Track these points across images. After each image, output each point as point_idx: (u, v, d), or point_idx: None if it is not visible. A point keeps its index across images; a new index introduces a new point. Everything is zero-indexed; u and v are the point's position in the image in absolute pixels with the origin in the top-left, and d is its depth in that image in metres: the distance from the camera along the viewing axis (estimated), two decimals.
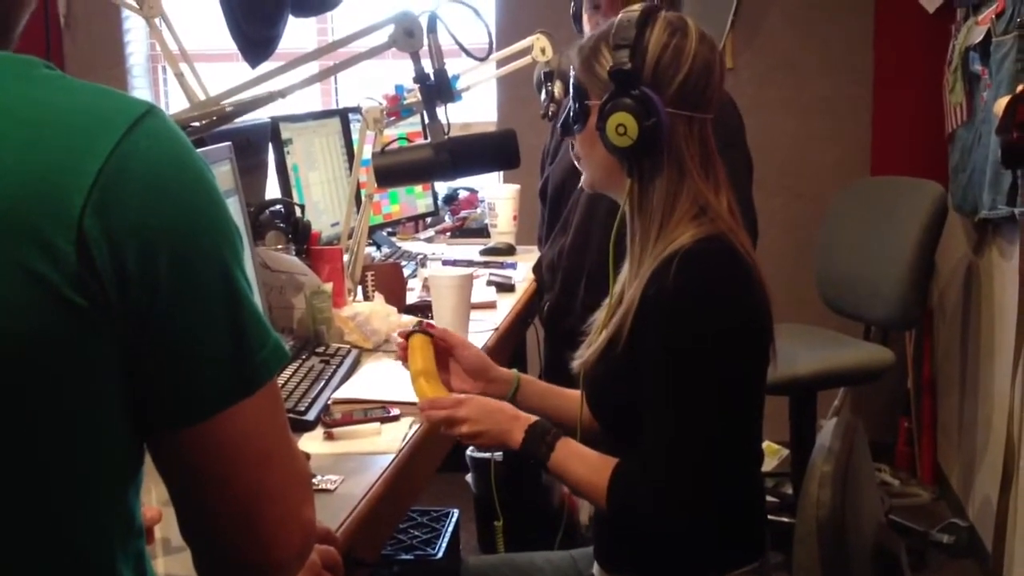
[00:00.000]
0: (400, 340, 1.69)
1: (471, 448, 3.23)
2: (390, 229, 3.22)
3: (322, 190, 2.78)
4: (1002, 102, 2.58)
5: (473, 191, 3.56)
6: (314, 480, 1.41)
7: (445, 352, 1.70)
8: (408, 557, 2.74)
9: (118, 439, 0.82)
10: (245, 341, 0.82)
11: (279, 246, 2.18)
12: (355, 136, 2.78)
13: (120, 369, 0.79)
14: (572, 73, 1.57)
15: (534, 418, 1.56)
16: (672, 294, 1.43)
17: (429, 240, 3.35)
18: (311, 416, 1.67)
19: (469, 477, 3.24)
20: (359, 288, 2.34)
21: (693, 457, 1.43)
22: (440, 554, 2.75)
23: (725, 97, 2.15)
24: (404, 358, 1.66)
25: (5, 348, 0.74)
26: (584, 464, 1.51)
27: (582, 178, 1.62)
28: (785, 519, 2.74)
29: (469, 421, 1.53)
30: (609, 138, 1.48)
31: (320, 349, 1.96)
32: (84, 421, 0.79)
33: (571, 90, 1.56)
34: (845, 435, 1.40)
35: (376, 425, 1.66)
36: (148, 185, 0.77)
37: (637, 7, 1.52)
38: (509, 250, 3.02)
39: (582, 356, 1.59)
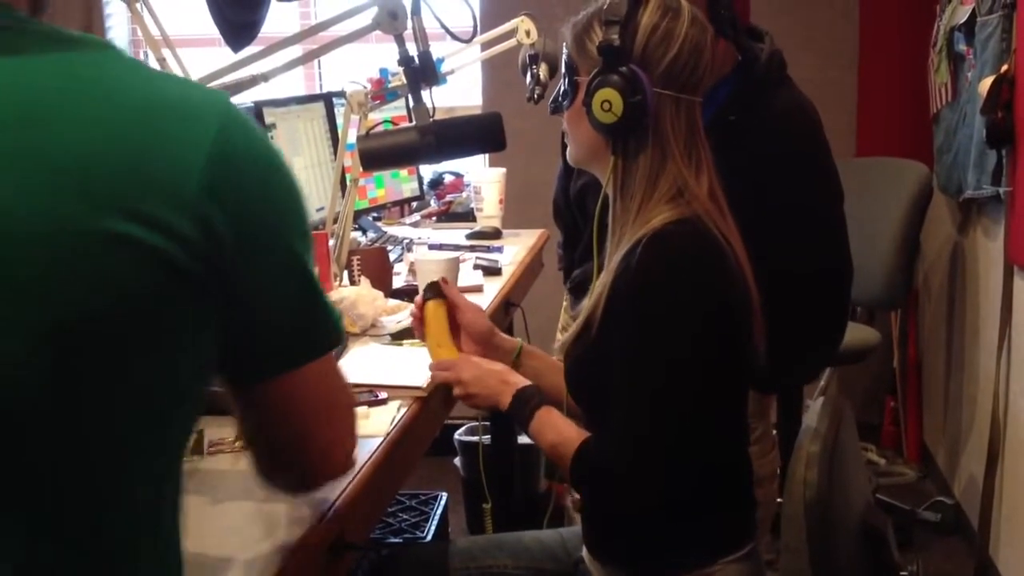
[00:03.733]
0: (415, 312, 1.77)
1: (459, 431, 3.24)
2: (375, 214, 3.21)
3: (307, 175, 2.77)
4: (987, 82, 2.59)
5: (459, 175, 3.55)
6: None
7: (453, 315, 1.77)
8: (397, 540, 2.75)
9: (197, 393, 0.92)
10: (319, 315, 0.98)
11: None
12: (339, 120, 2.77)
13: (213, 331, 0.89)
14: (564, 49, 1.57)
15: (525, 383, 1.61)
16: (634, 274, 1.43)
17: (415, 224, 3.34)
18: None
19: (457, 460, 3.25)
20: (345, 273, 2.33)
21: (648, 437, 1.43)
22: (429, 537, 2.76)
23: (787, 105, 1.92)
24: (418, 327, 1.76)
25: (119, 317, 0.81)
26: (558, 434, 1.54)
27: (567, 153, 1.62)
28: None
29: (462, 383, 1.64)
30: (594, 114, 1.48)
31: None
32: (174, 378, 0.88)
33: (563, 66, 1.57)
34: (832, 415, 1.40)
35: (364, 409, 1.65)
36: (248, 165, 0.88)
37: None
38: (495, 234, 3.01)
39: (563, 339, 1.61)
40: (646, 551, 1.54)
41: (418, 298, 1.78)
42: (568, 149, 1.62)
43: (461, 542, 1.83)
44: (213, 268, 0.85)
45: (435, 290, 1.76)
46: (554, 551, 1.73)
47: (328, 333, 1.00)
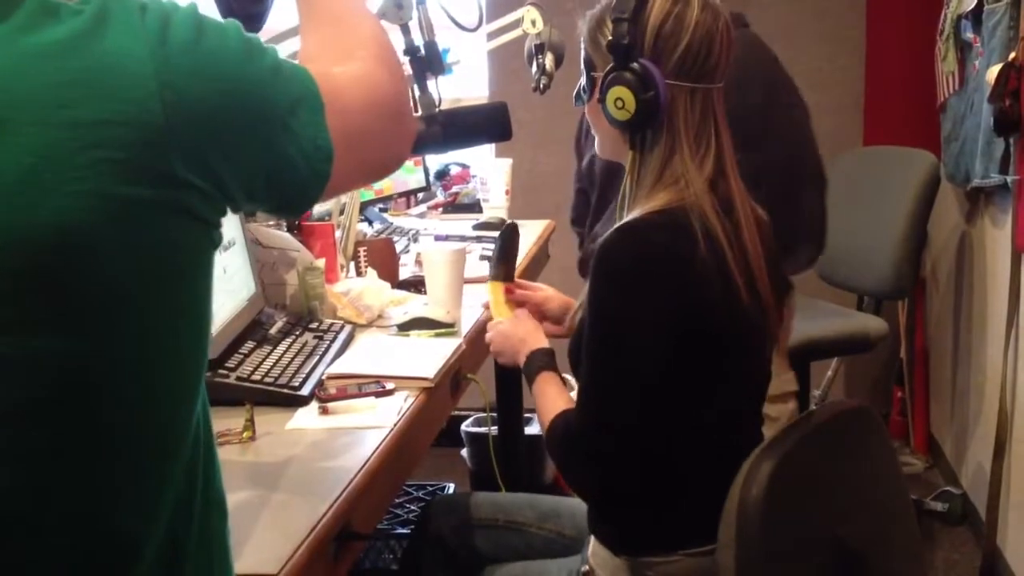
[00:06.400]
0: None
1: (466, 423, 3.25)
2: (382, 205, 3.21)
3: None
4: (994, 70, 2.57)
5: (465, 166, 3.54)
6: None
7: (535, 306, 1.91)
8: (404, 531, 2.75)
9: (205, 312, 0.90)
10: (304, 148, 0.88)
11: (271, 222, 2.18)
12: None
13: (212, 228, 0.86)
14: (581, 43, 1.60)
15: (541, 345, 1.70)
16: (596, 253, 1.46)
17: (421, 216, 3.34)
18: (305, 391, 1.67)
19: (464, 452, 3.25)
20: (351, 264, 2.33)
21: (599, 415, 1.47)
22: None
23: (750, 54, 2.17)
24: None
25: (153, 260, 0.79)
26: (547, 400, 1.61)
27: (595, 145, 1.65)
28: None
29: (493, 342, 1.79)
30: (609, 112, 1.48)
31: (313, 325, 1.96)
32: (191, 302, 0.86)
33: (580, 60, 1.60)
34: (827, 420, 1.41)
35: (371, 400, 1.66)
36: (184, 48, 0.81)
37: None
38: (501, 224, 3.00)
39: (568, 317, 1.69)
40: (618, 530, 1.58)
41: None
42: (596, 142, 1.65)
43: (498, 495, 1.92)
44: (200, 181, 0.81)
45: (495, 274, 1.94)
46: (577, 520, 1.75)
47: (322, 151, 0.89)
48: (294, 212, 1.02)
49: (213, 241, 0.86)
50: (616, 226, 1.49)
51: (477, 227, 2.99)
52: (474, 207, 3.22)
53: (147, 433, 0.85)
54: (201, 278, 0.86)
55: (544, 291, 1.94)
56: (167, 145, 0.78)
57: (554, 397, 1.60)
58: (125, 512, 0.85)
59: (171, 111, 0.78)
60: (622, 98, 1.46)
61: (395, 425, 1.58)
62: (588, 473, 1.52)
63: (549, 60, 2.44)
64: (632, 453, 1.47)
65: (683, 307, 1.44)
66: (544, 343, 1.72)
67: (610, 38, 1.49)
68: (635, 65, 1.46)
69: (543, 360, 1.67)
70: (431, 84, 1.90)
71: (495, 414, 2.87)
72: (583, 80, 1.60)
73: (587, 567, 1.62)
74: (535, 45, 2.47)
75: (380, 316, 2.08)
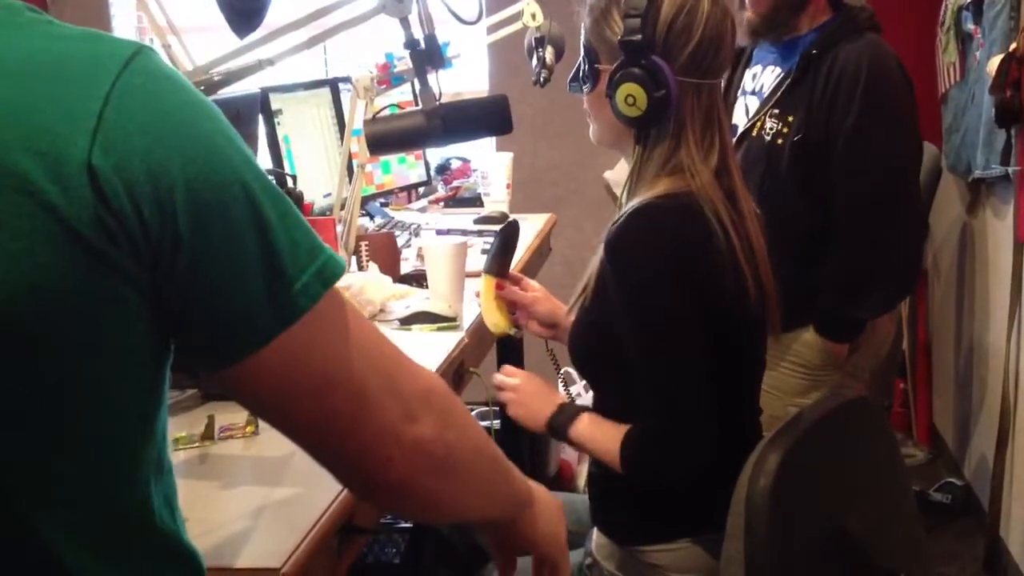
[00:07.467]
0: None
1: None
2: (383, 199, 3.21)
3: (314, 160, 2.77)
4: (995, 61, 2.57)
5: (466, 160, 3.54)
6: None
7: (523, 307, 1.84)
8: (407, 525, 2.75)
9: (146, 377, 0.80)
10: (280, 270, 0.77)
11: None
12: (346, 106, 2.76)
13: (147, 308, 0.75)
14: (583, 30, 1.57)
15: (554, 408, 1.59)
16: (609, 242, 1.46)
17: (422, 210, 3.33)
18: None
19: None
20: (353, 259, 2.33)
21: (674, 398, 1.45)
22: None
23: (861, 45, 2.18)
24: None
25: (34, 298, 0.71)
26: (593, 442, 1.55)
27: (590, 131, 1.63)
28: None
29: (512, 405, 1.67)
30: (619, 108, 1.48)
31: None
32: (112, 362, 0.76)
33: (581, 47, 1.57)
34: (828, 413, 1.40)
35: None
36: (151, 120, 0.74)
37: None
38: (503, 218, 3.01)
39: (569, 304, 1.65)
40: (622, 521, 1.58)
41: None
42: (591, 129, 1.62)
43: None
44: (125, 239, 0.72)
45: (489, 268, 1.85)
46: (580, 515, 1.74)
47: (299, 294, 0.77)
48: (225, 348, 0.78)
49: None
50: (625, 211, 1.48)
51: (478, 221, 2.99)
52: (475, 201, 3.22)
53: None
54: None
55: (535, 291, 1.86)
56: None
57: (599, 432, 1.54)
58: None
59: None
60: (633, 95, 1.46)
61: None
62: (690, 465, 1.48)
63: (549, 54, 2.43)
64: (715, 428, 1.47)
65: (699, 293, 1.45)
66: (563, 398, 1.64)
67: (619, 33, 1.47)
68: (646, 62, 1.45)
69: (574, 408, 1.60)
70: (431, 78, 1.91)
71: (497, 407, 2.87)
72: (583, 68, 1.57)
73: (591, 560, 1.62)
74: (535, 38, 2.46)
75: (382, 310, 2.08)
